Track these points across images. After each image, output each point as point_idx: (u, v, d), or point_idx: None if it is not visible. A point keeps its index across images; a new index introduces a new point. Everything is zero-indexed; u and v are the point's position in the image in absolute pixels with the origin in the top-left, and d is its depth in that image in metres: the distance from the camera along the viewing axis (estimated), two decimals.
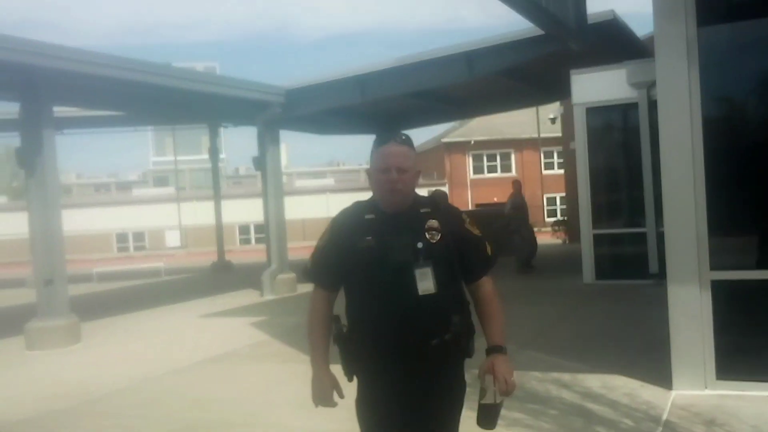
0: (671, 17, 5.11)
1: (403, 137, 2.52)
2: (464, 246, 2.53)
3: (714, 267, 5.09)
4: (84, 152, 73.95)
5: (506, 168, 38.62)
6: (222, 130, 21.76)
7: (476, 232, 2.59)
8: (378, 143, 2.53)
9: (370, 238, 2.46)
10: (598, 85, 8.98)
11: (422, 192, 2.74)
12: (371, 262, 2.45)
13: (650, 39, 6.23)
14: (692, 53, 5.08)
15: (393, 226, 2.48)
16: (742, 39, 5.38)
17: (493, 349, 2.51)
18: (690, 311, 5.14)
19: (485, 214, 18.60)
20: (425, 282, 2.41)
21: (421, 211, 2.52)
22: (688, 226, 5.09)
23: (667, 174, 5.23)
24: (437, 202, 2.58)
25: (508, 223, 13.44)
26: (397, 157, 2.47)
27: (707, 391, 5.05)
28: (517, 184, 14.14)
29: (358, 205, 2.61)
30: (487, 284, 2.60)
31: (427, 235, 2.46)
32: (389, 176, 2.45)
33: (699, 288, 5.06)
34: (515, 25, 6.88)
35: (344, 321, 2.61)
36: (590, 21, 7.65)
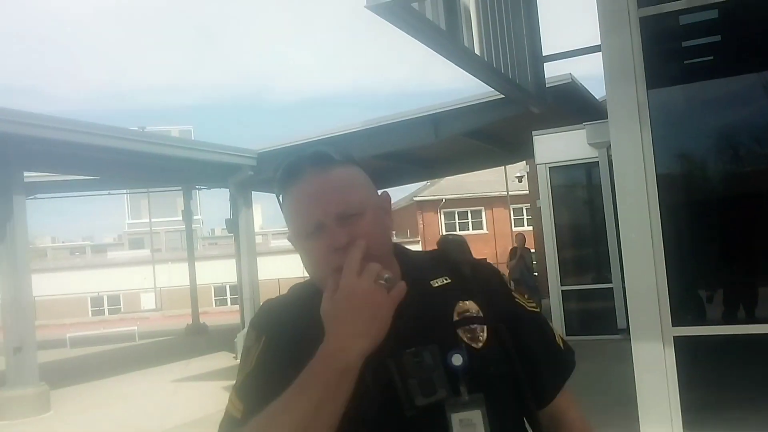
0: (622, 81, 5.33)
1: (327, 154, 1.27)
2: (523, 341, 1.30)
3: (676, 323, 5.19)
4: (59, 216, 73.17)
5: (477, 225, 38.97)
6: (198, 192, 21.83)
7: (532, 306, 1.40)
8: (283, 178, 1.27)
9: None
10: (560, 145, 9.24)
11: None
12: (358, 413, 1.15)
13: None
14: (643, 115, 5.28)
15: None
16: (691, 100, 5.62)
17: None
18: (654, 367, 5.20)
19: None
20: None
21: (434, 285, 1.29)
22: (648, 283, 5.20)
23: (625, 232, 5.37)
24: (455, 258, 1.34)
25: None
26: (329, 195, 1.22)
27: None
28: (520, 237, 14.48)
29: (300, 294, 1.33)
30: (569, 407, 1.39)
31: (463, 337, 1.23)
32: (330, 240, 1.20)
33: (662, 344, 5.14)
34: (480, 88, 7.18)
35: None
36: (549, 84, 7.93)
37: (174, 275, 35.90)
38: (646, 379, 5.36)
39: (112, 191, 21.88)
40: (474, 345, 1.22)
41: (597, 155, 8.88)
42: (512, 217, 36.01)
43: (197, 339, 17.86)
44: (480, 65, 5.90)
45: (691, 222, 5.46)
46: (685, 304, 5.45)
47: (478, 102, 10.33)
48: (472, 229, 38.46)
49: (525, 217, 36.03)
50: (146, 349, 16.93)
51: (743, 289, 5.40)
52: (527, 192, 24.23)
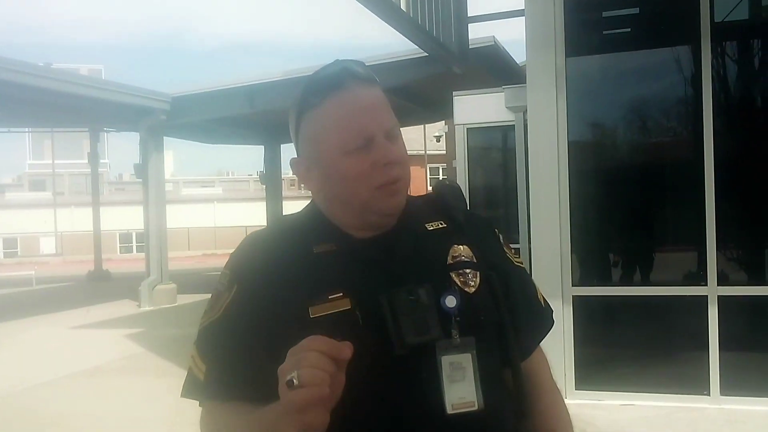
0: (542, 48, 5.43)
1: (367, 70, 1.22)
2: (509, 294, 1.28)
3: (576, 283, 5.42)
4: None
5: None
6: (106, 135, 20.96)
7: (518, 261, 1.37)
8: (321, 88, 1.18)
9: (339, 294, 1.13)
10: (479, 107, 9.33)
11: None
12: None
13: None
14: (560, 81, 5.40)
15: (379, 263, 1.18)
16: (607, 70, 5.79)
17: None
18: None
19: None
20: (462, 386, 1.12)
21: (429, 227, 1.26)
22: (552, 244, 5.39)
23: (534, 194, 5.53)
24: (450, 204, 1.32)
25: None
26: (378, 111, 1.19)
27: (566, 401, 5.34)
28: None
29: (292, 226, 1.25)
30: (543, 367, 1.38)
31: (456, 279, 1.20)
32: (382, 155, 1.16)
33: (561, 302, 5.36)
34: (403, 45, 7.16)
35: None
36: (472, 45, 7.99)
37: (77, 220, 34.56)
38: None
39: (12, 129, 20.71)
40: (466, 289, 1.19)
41: (514, 119, 9.04)
42: (429, 177, 36.47)
43: (99, 286, 17.33)
44: (405, 21, 5.85)
45: (598, 188, 5.67)
46: (589, 266, 5.70)
47: (400, 59, 10.28)
48: None
49: (441, 176, 36.60)
50: (44, 295, 16.29)
51: (641, 253, 5.69)
52: (444, 152, 24.55)
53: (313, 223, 1.23)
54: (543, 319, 1.36)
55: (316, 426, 0.95)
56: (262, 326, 1.13)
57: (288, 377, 0.94)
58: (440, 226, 1.26)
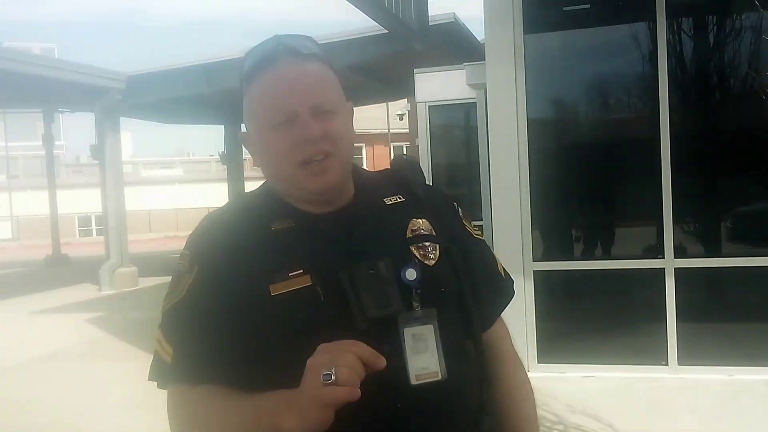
0: (500, 24, 5.43)
1: (307, 44, 1.22)
2: (469, 265, 1.28)
3: (537, 258, 5.48)
4: None
5: (357, 162, 39.08)
6: (61, 115, 20.45)
7: (477, 234, 1.38)
8: (255, 64, 1.20)
9: (299, 270, 1.12)
10: (440, 85, 9.32)
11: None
12: (309, 326, 1.10)
13: None
14: (519, 58, 5.42)
15: (337, 239, 1.18)
16: (565, 47, 5.82)
17: None
18: (515, 300, 5.48)
19: None
20: (425, 357, 1.12)
21: (387, 202, 1.26)
22: (513, 220, 5.43)
23: (495, 171, 5.56)
24: (408, 178, 1.32)
25: None
26: (306, 85, 1.17)
27: (529, 374, 5.42)
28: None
29: (249, 205, 1.25)
30: (504, 337, 1.39)
31: (416, 253, 1.20)
32: (300, 131, 1.15)
33: (523, 278, 5.42)
34: (364, 22, 7.06)
35: None
36: (432, 22, 7.96)
37: (33, 203, 33.76)
38: (506, 311, 5.67)
39: None
40: (426, 262, 1.19)
41: (476, 96, 9.05)
42: (392, 155, 36.50)
43: (58, 270, 17.01)
44: None
45: (558, 164, 5.72)
46: (549, 242, 5.77)
47: (361, 36, 10.18)
48: None
49: (404, 155, 36.70)
50: (1, 280, 15.93)
51: (601, 229, 5.78)
52: (407, 130, 24.54)
53: (269, 200, 1.22)
54: (504, 290, 1.38)
55: (326, 423, 0.98)
56: (226, 305, 1.12)
57: (325, 371, 0.95)
58: (399, 200, 1.27)
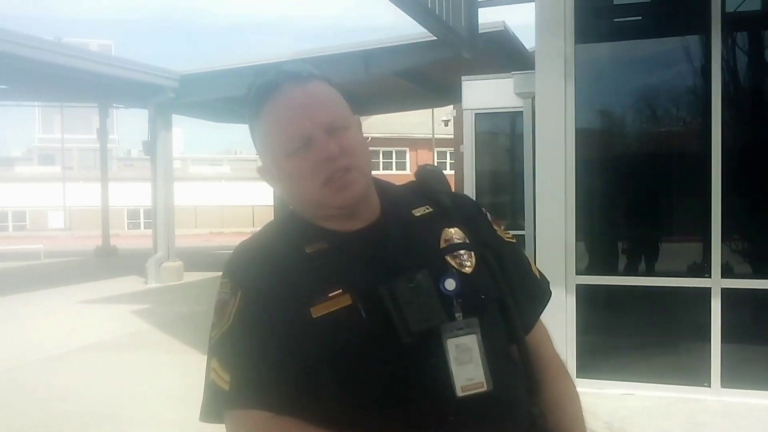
0: (551, 34, 5.39)
1: (305, 67, 1.24)
2: (504, 270, 1.28)
3: (579, 272, 5.42)
4: None
5: (401, 166, 39.20)
6: (115, 111, 20.99)
7: (509, 237, 1.37)
8: (260, 96, 1.21)
9: (339, 290, 1.13)
10: (487, 93, 9.29)
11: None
12: (353, 345, 1.11)
13: None
14: (569, 68, 5.37)
15: (372, 255, 1.18)
16: (616, 58, 5.75)
17: None
18: (556, 312, 5.45)
19: None
20: (470, 367, 1.12)
21: (416, 214, 1.26)
22: (557, 232, 5.39)
23: (540, 182, 5.52)
24: (434, 188, 1.33)
25: None
26: (315, 106, 1.18)
27: None
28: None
29: (280, 230, 1.26)
30: (545, 339, 1.37)
31: (452, 262, 1.20)
32: (319, 152, 1.16)
33: (565, 291, 5.37)
34: (413, 28, 7.08)
35: None
36: (481, 30, 7.94)
37: (86, 195, 34.68)
38: (547, 323, 5.62)
39: (22, 102, 20.77)
40: (464, 271, 1.20)
41: (522, 105, 9.00)
42: (436, 160, 36.39)
43: (107, 261, 17.45)
44: (415, 5, 5.82)
45: (604, 177, 5.65)
46: (593, 255, 5.70)
47: (410, 42, 10.24)
48: (396, 169, 38.70)
49: (448, 161, 36.47)
50: (52, 269, 16.41)
51: (646, 243, 5.69)
52: (452, 136, 24.48)
53: (298, 225, 1.23)
54: (541, 291, 1.37)
55: None
56: (271, 329, 1.13)
57: None
58: (427, 210, 1.27)
